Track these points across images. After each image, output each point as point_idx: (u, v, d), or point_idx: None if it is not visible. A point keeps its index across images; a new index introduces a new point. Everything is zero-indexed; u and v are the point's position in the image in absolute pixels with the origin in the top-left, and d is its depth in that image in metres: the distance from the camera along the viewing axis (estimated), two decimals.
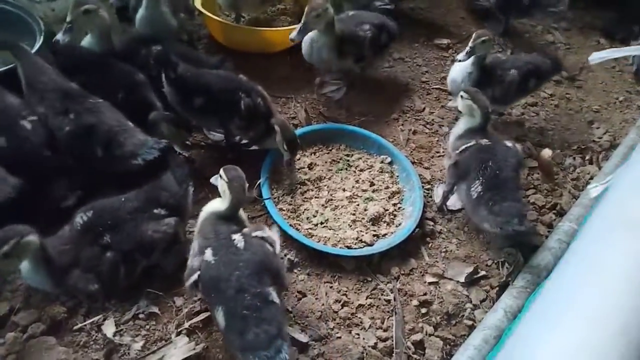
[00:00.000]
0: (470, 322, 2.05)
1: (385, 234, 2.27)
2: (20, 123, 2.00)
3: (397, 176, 2.52)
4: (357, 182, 2.46)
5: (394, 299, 2.06)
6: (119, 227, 1.82)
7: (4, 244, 1.56)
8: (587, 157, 2.89)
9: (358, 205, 2.35)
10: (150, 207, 1.90)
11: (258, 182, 2.32)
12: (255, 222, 2.22)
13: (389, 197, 2.42)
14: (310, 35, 2.61)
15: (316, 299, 2.02)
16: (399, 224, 2.32)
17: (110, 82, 2.25)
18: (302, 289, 2.04)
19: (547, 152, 2.69)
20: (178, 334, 1.82)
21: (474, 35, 2.52)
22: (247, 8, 3.22)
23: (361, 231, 2.25)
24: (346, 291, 2.06)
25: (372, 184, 2.45)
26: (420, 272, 2.18)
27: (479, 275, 2.19)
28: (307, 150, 2.56)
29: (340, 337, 1.92)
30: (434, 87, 3.13)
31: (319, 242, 2.17)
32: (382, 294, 2.08)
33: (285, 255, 2.11)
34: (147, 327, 1.83)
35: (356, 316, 2.00)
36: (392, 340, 1.93)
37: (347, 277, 2.11)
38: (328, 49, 2.64)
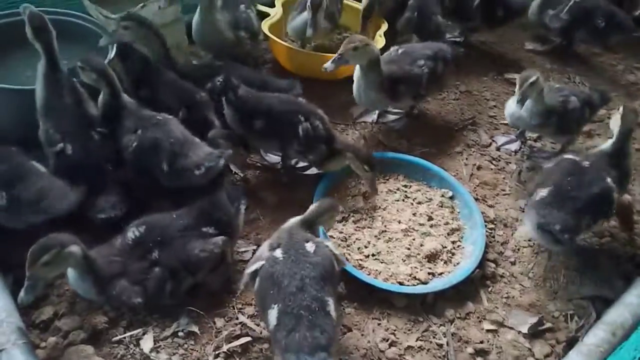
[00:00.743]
0: None
1: (442, 273, 2.13)
2: (90, 133, 2.07)
3: (459, 212, 2.38)
4: (414, 214, 2.33)
5: (447, 344, 1.91)
6: (168, 243, 1.83)
7: (45, 253, 1.57)
8: None
9: (414, 239, 2.23)
10: (200, 225, 1.90)
11: None
12: None
13: (448, 234, 2.27)
14: (356, 76, 2.54)
15: (362, 335, 1.91)
16: (457, 263, 2.17)
17: (172, 98, 2.29)
18: (347, 323, 1.94)
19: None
20: (216, 356, 1.77)
21: (518, 79, 2.39)
22: (316, 36, 3.24)
23: (415, 267, 2.13)
24: (395, 330, 1.94)
25: (430, 218, 2.32)
26: (478, 317, 2.03)
27: (544, 327, 2.01)
28: (363, 179, 2.48)
29: None
30: (502, 122, 2.98)
31: (369, 274, 2.07)
32: (434, 337, 1.93)
33: None
34: (185, 346, 1.79)
35: (404, 358, 1.87)
36: None
37: (397, 315, 1.99)
38: (375, 90, 2.52)
